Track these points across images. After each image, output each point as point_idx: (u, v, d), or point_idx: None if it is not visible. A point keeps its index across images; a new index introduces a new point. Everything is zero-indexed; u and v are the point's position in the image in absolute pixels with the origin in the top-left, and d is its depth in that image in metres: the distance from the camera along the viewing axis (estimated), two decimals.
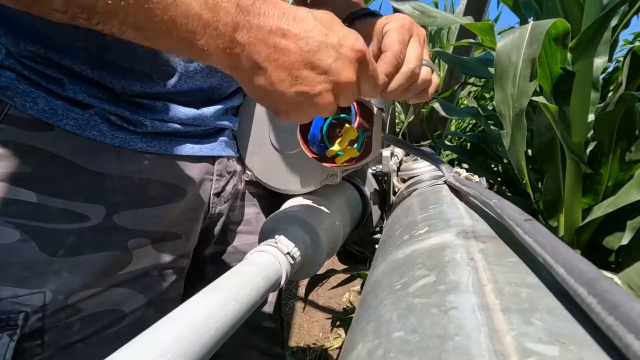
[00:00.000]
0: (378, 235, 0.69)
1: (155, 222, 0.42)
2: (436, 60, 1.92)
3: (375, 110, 0.46)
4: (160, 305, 0.44)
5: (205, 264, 0.55)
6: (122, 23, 0.24)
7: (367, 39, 0.38)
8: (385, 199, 0.63)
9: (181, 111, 0.43)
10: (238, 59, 0.28)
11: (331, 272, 1.09)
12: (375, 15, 0.46)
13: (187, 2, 0.24)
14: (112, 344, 0.38)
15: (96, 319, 0.38)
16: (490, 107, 1.96)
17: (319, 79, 0.29)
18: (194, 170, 0.46)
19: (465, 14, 1.37)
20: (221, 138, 0.50)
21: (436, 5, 2.47)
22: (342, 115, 0.44)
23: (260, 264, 0.35)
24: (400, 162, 0.72)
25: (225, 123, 0.50)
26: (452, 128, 2.84)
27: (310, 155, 0.46)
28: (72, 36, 0.35)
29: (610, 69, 1.41)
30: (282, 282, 0.37)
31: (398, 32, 0.38)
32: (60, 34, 0.35)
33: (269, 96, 0.30)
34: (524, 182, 0.64)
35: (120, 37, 0.25)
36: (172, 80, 0.42)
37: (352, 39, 0.30)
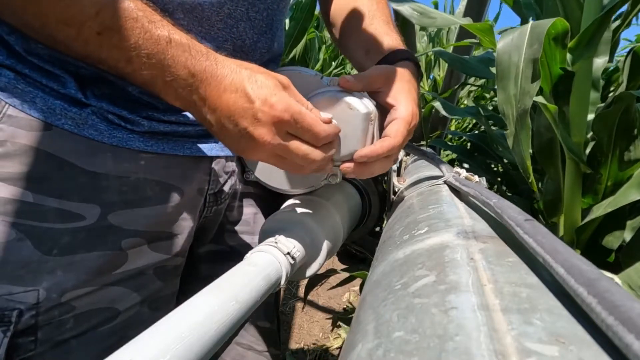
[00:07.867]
0: (378, 236, 0.69)
1: (151, 222, 0.42)
2: (436, 60, 1.92)
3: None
4: (154, 303, 0.44)
5: (201, 262, 0.55)
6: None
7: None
8: (385, 199, 0.63)
9: (180, 110, 0.43)
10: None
11: (331, 272, 1.09)
12: (410, 59, 0.50)
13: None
14: (105, 340, 0.39)
15: (90, 317, 0.39)
16: (490, 107, 1.96)
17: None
18: (191, 170, 0.46)
19: (465, 14, 1.37)
20: None
21: (436, 6, 2.47)
22: None
23: (260, 264, 0.35)
24: (400, 162, 0.72)
25: None
26: (452, 128, 2.84)
27: None
28: None
29: (611, 69, 1.41)
30: (282, 282, 0.37)
31: (405, 125, 0.42)
32: None
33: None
34: (529, 181, 0.64)
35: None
36: None
37: (269, 104, 0.34)
